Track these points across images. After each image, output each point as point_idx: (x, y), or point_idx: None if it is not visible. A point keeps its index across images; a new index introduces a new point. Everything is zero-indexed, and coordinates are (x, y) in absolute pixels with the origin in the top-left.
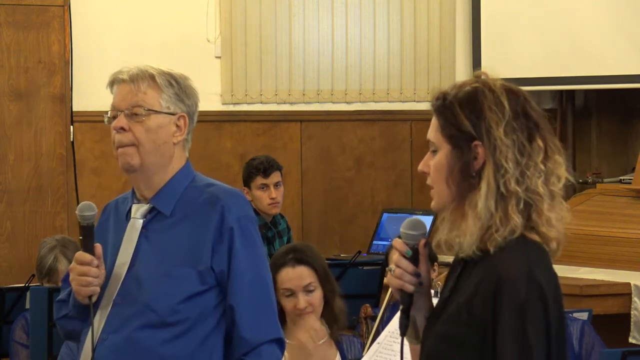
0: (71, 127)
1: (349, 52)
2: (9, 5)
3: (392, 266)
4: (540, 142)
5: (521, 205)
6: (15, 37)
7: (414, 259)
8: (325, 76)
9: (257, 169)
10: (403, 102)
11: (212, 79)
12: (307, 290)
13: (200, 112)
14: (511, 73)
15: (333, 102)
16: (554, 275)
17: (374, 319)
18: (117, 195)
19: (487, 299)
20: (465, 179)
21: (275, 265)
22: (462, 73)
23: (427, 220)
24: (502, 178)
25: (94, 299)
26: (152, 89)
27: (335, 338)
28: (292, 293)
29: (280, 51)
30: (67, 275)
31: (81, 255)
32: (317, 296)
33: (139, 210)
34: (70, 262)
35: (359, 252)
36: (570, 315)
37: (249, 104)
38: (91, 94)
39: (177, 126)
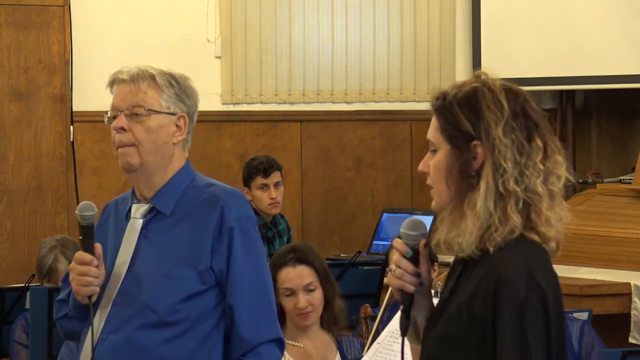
0: (71, 127)
1: (349, 52)
2: (9, 5)
3: (392, 266)
4: (539, 142)
5: (520, 205)
6: (15, 37)
7: (414, 259)
8: (325, 76)
9: (257, 169)
10: (403, 102)
11: (212, 79)
12: (308, 289)
13: (200, 112)
14: (511, 73)
15: (333, 102)
16: (553, 275)
17: (373, 319)
18: (117, 195)
19: (487, 299)
20: (464, 178)
21: (275, 265)
22: (462, 73)
23: (427, 221)
24: (501, 178)
25: (94, 298)
26: (152, 89)
27: (335, 338)
28: (292, 292)
29: (280, 51)
30: (67, 275)
31: (81, 255)
32: (318, 296)
33: (138, 210)
34: (70, 262)
35: (359, 252)
36: (570, 315)
37: (249, 104)
38: (91, 94)
39: (177, 126)
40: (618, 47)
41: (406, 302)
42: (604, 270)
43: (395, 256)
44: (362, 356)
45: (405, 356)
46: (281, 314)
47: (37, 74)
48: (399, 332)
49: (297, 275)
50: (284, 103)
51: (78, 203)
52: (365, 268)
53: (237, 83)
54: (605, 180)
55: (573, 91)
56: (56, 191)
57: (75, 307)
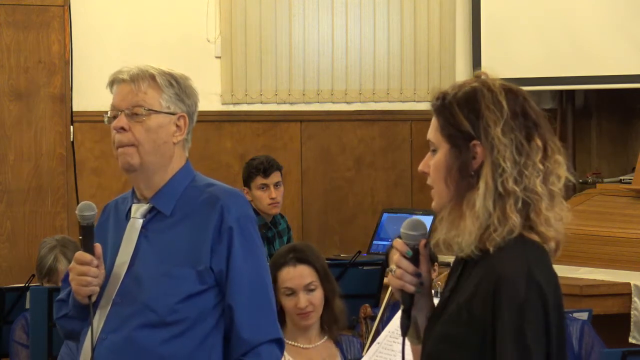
0: (71, 127)
1: (349, 52)
2: (9, 5)
3: (392, 266)
4: (538, 142)
5: (519, 205)
6: (15, 37)
7: (414, 259)
8: (325, 76)
9: (257, 169)
10: (403, 102)
11: (212, 79)
12: (308, 289)
13: (200, 112)
14: (511, 73)
15: (333, 102)
16: (553, 275)
17: (373, 319)
18: (117, 195)
19: (486, 299)
20: (463, 178)
21: (276, 265)
22: (462, 73)
23: (427, 221)
24: (500, 177)
25: (94, 298)
26: (152, 88)
27: (335, 338)
28: (293, 292)
29: (280, 51)
30: (67, 275)
31: (81, 255)
32: (318, 296)
33: (138, 210)
34: (70, 262)
35: (359, 252)
36: (570, 315)
37: (249, 104)
38: (91, 94)
39: (177, 126)
40: (618, 47)
41: (407, 302)
42: (604, 270)
43: (395, 256)
44: (362, 356)
45: (405, 356)
46: (281, 314)
47: (37, 74)
48: (399, 332)
49: (297, 274)
50: (284, 103)
51: (78, 203)
52: (365, 268)
53: (237, 83)
54: (605, 180)
55: (573, 91)
56: (56, 191)
57: (75, 307)
